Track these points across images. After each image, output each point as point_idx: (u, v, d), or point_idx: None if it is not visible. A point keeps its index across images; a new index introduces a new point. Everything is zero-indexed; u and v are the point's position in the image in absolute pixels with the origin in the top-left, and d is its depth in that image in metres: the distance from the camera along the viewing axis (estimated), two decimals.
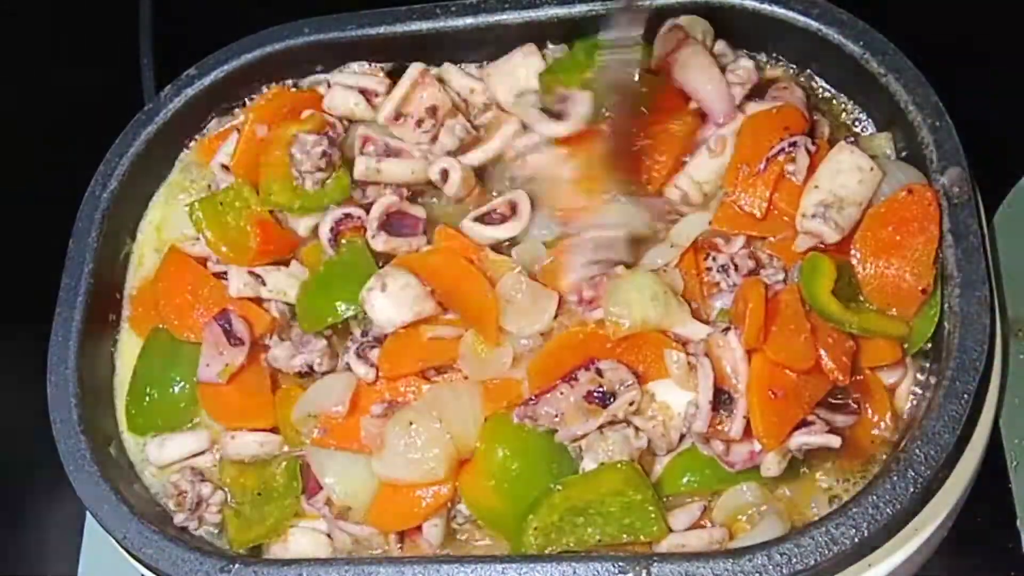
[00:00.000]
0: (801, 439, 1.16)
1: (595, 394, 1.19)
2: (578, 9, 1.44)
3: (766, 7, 1.38)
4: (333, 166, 1.40)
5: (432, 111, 1.44)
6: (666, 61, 1.36)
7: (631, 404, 1.19)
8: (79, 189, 1.48)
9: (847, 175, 1.25)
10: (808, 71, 1.43)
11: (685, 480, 1.20)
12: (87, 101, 1.71)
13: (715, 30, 1.41)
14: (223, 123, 1.56)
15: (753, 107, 1.35)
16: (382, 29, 1.50)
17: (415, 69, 1.46)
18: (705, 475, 1.20)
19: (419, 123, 1.44)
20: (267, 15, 1.55)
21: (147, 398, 1.39)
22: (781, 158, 1.28)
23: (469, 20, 1.47)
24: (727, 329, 1.19)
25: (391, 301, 1.26)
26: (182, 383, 1.37)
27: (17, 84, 1.64)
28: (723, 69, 1.36)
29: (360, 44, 1.51)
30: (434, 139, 1.44)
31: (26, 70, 1.66)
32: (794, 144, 1.28)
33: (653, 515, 1.16)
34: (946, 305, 1.18)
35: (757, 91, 1.38)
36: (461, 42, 1.48)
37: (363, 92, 1.47)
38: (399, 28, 1.49)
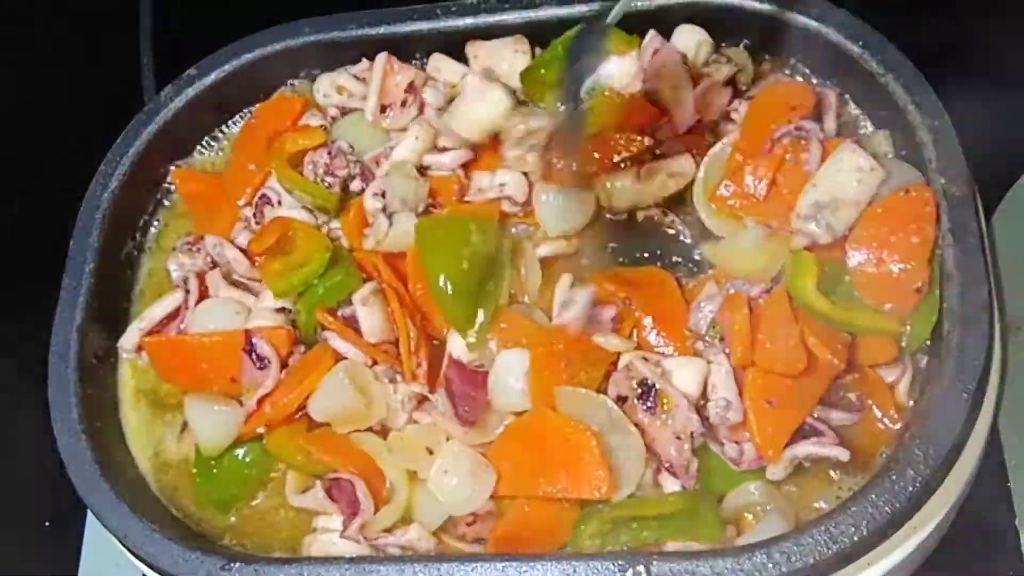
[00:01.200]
0: (809, 449, 1.16)
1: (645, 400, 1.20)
2: (578, 9, 1.44)
3: (765, 7, 1.38)
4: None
5: (410, 87, 1.46)
6: (648, 69, 1.37)
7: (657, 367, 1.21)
8: (79, 189, 1.49)
9: (847, 174, 1.25)
10: (807, 70, 1.43)
11: (694, 484, 1.20)
12: (87, 101, 1.71)
13: (713, 30, 1.41)
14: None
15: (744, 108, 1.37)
16: (382, 29, 1.50)
17: (381, 60, 1.47)
18: (713, 477, 1.20)
19: (403, 104, 1.46)
20: (267, 15, 1.55)
21: (215, 470, 1.34)
22: (786, 141, 1.29)
23: (469, 20, 1.48)
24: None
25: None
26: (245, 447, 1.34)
27: (17, 84, 1.64)
28: (700, 76, 1.38)
29: (360, 44, 1.51)
30: (421, 108, 1.46)
31: (26, 70, 1.66)
32: (801, 129, 1.28)
33: (712, 520, 1.16)
34: (945, 304, 1.18)
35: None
36: (461, 42, 1.48)
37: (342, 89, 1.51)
38: (399, 28, 1.49)
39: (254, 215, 1.46)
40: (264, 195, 1.46)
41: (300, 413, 1.30)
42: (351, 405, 1.27)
